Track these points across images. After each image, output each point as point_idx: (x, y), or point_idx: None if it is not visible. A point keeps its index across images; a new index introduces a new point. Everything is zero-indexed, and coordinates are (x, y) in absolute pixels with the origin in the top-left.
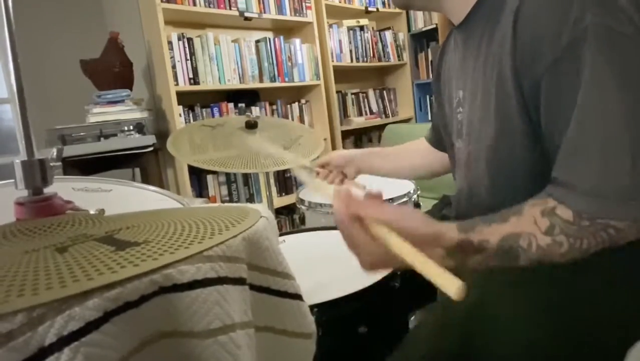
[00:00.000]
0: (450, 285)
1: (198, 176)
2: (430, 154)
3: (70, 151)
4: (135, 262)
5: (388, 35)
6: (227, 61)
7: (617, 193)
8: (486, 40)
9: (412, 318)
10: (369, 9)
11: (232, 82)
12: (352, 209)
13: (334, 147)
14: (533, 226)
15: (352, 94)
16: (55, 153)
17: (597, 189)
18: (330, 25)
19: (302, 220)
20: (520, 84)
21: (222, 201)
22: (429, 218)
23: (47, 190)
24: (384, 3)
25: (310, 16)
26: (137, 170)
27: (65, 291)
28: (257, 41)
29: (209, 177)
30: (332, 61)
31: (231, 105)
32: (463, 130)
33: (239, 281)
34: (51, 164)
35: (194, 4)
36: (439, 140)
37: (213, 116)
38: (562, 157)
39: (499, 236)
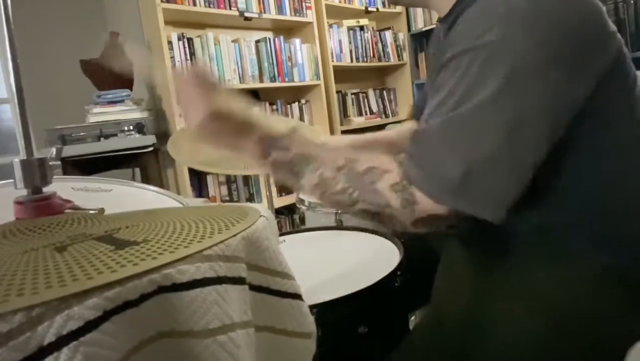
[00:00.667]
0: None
1: (198, 176)
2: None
3: (70, 151)
4: (135, 261)
5: (388, 35)
6: (227, 61)
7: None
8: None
9: (412, 318)
10: (369, 9)
11: (232, 82)
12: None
13: None
14: (332, 160)
15: (352, 94)
16: (54, 152)
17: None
18: (330, 25)
19: (302, 220)
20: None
21: (222, 201)
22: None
23: (47, 190)
24: (384, 3)
25: (310, 16)
26: (137, 170)
27: (64, 290)
28: (257, 41)
29: (209, 178)
30: (332, 61)
31: None
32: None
33: (238, 280)
34: (50, 163)
35: (194, 4)
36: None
37: None
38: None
39: (302, 151)
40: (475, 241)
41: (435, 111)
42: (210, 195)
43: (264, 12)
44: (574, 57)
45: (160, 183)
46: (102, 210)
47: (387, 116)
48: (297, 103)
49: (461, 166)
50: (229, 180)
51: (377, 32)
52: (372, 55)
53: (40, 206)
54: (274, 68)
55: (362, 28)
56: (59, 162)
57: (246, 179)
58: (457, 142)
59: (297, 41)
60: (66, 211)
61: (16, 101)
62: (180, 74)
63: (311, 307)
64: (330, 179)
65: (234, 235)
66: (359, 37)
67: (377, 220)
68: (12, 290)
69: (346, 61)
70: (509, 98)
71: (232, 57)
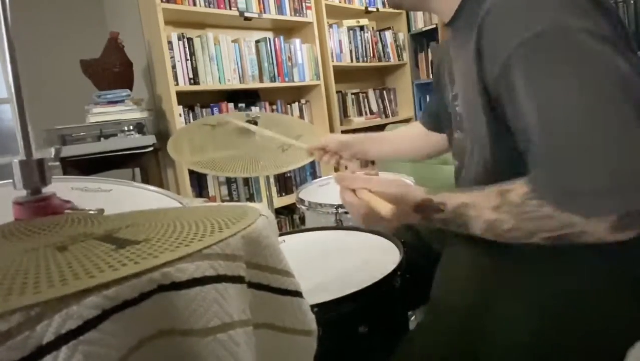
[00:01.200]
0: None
1: (198, 176)
2: (423, 138)
3: (70, 151)
4: (136, 260)
5: (388, 35)
6: (227, 61)
7: (566, 187)
8: (464, 41)
9: (412, 318)
10: (369, 9)
11: (232, 82)
12: (345, 183)
13: None
14: (485, 201)
15: (352, 94)
16: (53, 153)
17: (554, 181)
18: (330, 25)
19: (302, 220)
20: (484, 86)
21: (222, 201)
22: (406, 184)
23: (47, 190)
24: (384, 3)
25: (310, 16)
26: (137, 170)
27: (66, 289)
28: (257, 41)
29: (209, 177)
30: (332, 61)
31: (231, 105)
32: (461, 123)
33: (237, 279)
34: (50, 163)
35: (194, 4)
36: (436, 123)
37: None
38: (534, 157)
39: (456, 202)
40: (479, 242)
41: (541, 130)
42: (210, 195)
43: (264, 12)
44: (615, 32)
45: (160, 183)
46: (101, 210)
47: (387, 116)
48: (297, 103)
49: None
50: (229, 180)
51: (377, 32)
52: (372, 55)
53: (39, 207)
54: (274, 68)
55: (362, 28)
56: (57, 163)
57: (246, 179)
58: (592, 143)
59: (297, 41)
60: (66, 211)
61: (15, 101)
62: (344, 178)
63: (311, 307)
64: (495, 221)
65: (234, 234)
66: (359, 37)
67: (566, 241)
68: (14, 289)
69: (346, 61)
70: (593, 80)
71: (232, 57)
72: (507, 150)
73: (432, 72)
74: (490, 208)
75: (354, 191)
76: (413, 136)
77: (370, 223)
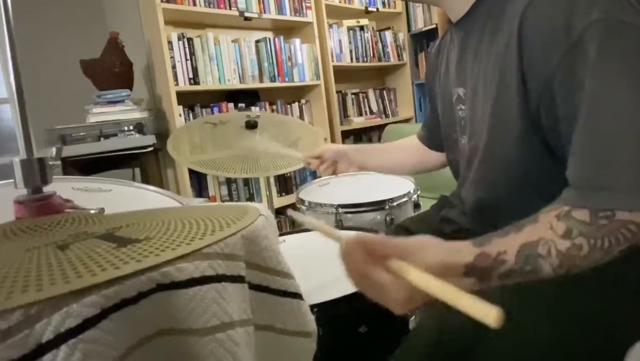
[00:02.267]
0: (486, 314)
1: (198, 176)
2: (421, 151)
3: (70, 151)
4: (138, 258)
5: (388, 35)
6: (227, 61)
7: (633, 184)
8: (487, 39)
9: (412, 318)
10: (369, 9)
11: (232, 82)
12: (363, 254)
13: None
14: (550, 232)
15: (352, 94)
16: (54, 152)
17: (614, 184)
18: (330, 25)
19: None
20: (525, 87)
21: (222, 201)
22: (440, 240)
23: (47, 189)
24: (384, 3)
25: (310, 16)
26: (137, 170)
27: (69, 286)
28: (257, 41)
29: (209, 177)
30: (332, 61)
31: (231, 105)
32: (466, 127)
33: (237, 279)
34: (50, 163)
35: (194, 4)
36: (432, 139)
37: None
38: (575, 157)
39: (517, 246)
40: None
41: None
42: (210, 195)
43: (264, 12)
44: None
45: (160, 183)
46: (102, 210)
47: (387, 116)
48: (297, 103)
49: None
50: (229, 180)
51: (377, 32)
52: (372, 55)
53: (40, 206)
54: (274, 68)
55: (362, 28)
56: (59, 162)
57: (246, 179)
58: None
59: (297, 41)
60: (66, 210)
61: (16, 101)
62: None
63: (311, 307)
64: (569, 250)
65: (233, 233)
66: (359, 37)
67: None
68: (16, 287)
69: (346, 61)
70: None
71: (232, 57)
72: (534, 149)
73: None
74: (559, 237)
75: (375, 262)
76: (412, 148)
77: (413, 309)
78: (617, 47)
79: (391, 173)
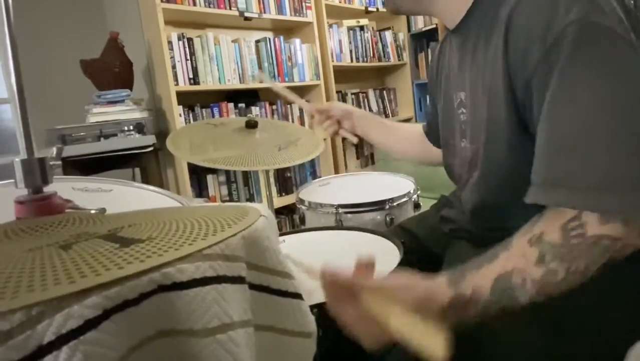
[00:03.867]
0: (433, 348)
1: (198, 176)
2: (424, 142)
3: (70, 151)
4: (141, 258)
5: (388, 35)
6: (227, 60)
7: (598, 184)
8: (482, 44)
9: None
10: (369, 9)
11: (232, 82)
12: (340, 288)
13: (334, 148)
14: (522, 260)
15: (352, 94)
16: (55, 152)
17: (577, 182)
18: (330, 25)
19: (302, 220)
20: (512, 87)
21: (222, 201)
22: (414, 281)
23: (47, 189)
24: (384, 3)
25: (310, 16)
26: (137, 170)
27: (74, 286)
28: (257, 41)
29: (209, 177)
30: (332, 61)
31: (231, 105)
32: (467, 130)
33: (238, 280)
34: (51, 163)
35: (194, 4)
36: (434, 137)
37: (213, 116)
38: (536, 158)
39: (490, 280)
40: (482, 245)
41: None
42: (210, 195)
43: (264, 12)
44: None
45: (160, 183)
46: (103, 210)
47: (387, 116)
48: None
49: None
50: (229, 180)
51: (377, 32)
52: (372, 55)
53: (41, 206)
54: (274, 68)
55: (362, 28)
56: (59, 162)
57: (246, 179)
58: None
59: (297, 41)
60: (67, 210)
61: (17, 100)
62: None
63: (311, 307)
64: (544, 276)
65: (234, 234)
66: (359, 37)
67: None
68: (21, 287)
69: (346, 61)
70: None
71: (232, 57)
72: (525, 151)
73: (427, 74)
74: (533, 265)
75: (353, 296)
76: (417, 136)
77: (382, 344)
78: (587, 50)
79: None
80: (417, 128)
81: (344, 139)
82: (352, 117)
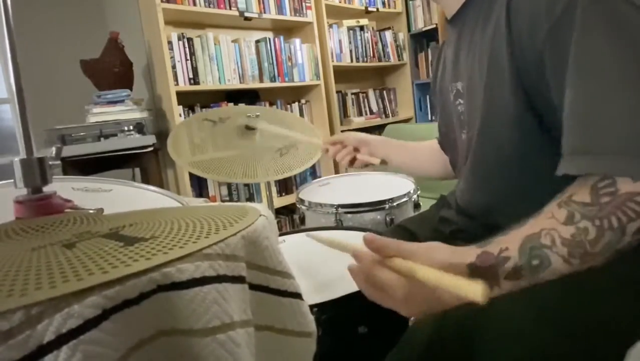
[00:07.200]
0: (472, 291)
1: (198, 176)
2: (442, 156)
3: (70, 151)
4: (147, 256)
5: (388, 35)
6: (227, 60)
7: (631, 150)
8: (479, 31)
9: (412, 317)
10: (369, 9)
11: (232, 82)
12: (372, 254)
13: None
14: (551, 220)
15: (352, 94)
16: (54, 151)
17: (610, 148)
18: (330, 25)
19: (302, 220)
20: (516, 66)
21: (222, 201)
22: (446, 245)
23: (47, 189)
24: (384, 3)
25: (310, 16)
26: (137, 170)
27: (82, 283)
28: (257, 41)
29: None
30: (332, 61)
31: (231, 105)
32: (465, 120)
33: (238, 279)
34: (50, 162)
35: (194, 4)
36: (445, 143)
37: None
38: (566, 125)
39: (519, 240)
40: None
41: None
42: (210, 195)
43: (264, 12)
44: None
45: (160, 183)
46: (100, 210)
47: (387, 116)
48: (297, 103)
49: None
50: None
51: (377, 32)
52: (372, 55)
53: (40, 206)
54: (274, 68)
55: (362, 28)
56: (58, 162)
57: None
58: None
59: (297, 41)
60: (66, 210)
61: (16, 100)
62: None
63: (311, 307)
64: (575, 235)
65: (235, 233)
66: (359, 37)
67: None
68: (29, 285)
69: (346, 61)
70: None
71: (232, 57)
72: (528, 130)
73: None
74: (561, 224)
75: (382, 263)
76: (433, 149)
77: (416, 310)
78: (600, 13)
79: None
80: (435, 142)
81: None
82: (370, 144)
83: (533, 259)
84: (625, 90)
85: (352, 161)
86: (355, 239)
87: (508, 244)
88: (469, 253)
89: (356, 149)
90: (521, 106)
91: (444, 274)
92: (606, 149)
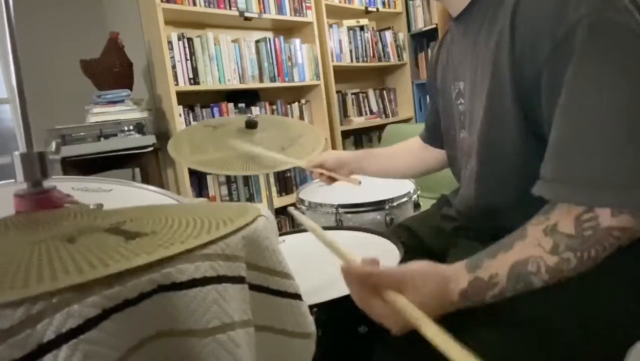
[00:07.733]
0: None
1: (198, 176)
2: (423, 152)
3: (70, 151)
4: (148, 251)
5: (388, 35)
6: (227, 61)
7: (612, 182)
8: (485, 33)
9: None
10: (369, 9)
11: (232, 82)
12: (360, 286)
13: (334, 148)
14: (538, 249)
15: (352, 94)
16: (54, 146)
17: (592, 180)
18: (330, 25)
19: None
20: (518, 77)
21: (222, 201)
22: (434, 267)
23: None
24: (384, 3)
25: (310, 16)
26: (137, 170)
27: (83, 277)
28: (257, 41)
29: (209, 177)
30: (332, 61)
31: (231, 105)
32: (466, 121)
33: (238, 280)
34: (50, 157)
35: (194, 4)
36: (433, 137)
37: (213, 116)
38: (549, 153)
39: (507, 267)
40: (483, 241)
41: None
42: (210, 195)
43: (264, 12)
44: None
45: (160, 183)
46: (100, 205)
47: (387, 116)
48: (297, 103)
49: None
50: (229, 180)
51: (377, 32)
52: (372, 55)
53: (40, 200)
54: (274, 68)
55: (362, 28)
56: (58, 157)
57: (246, 179)
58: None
59: (297, 41)
60: (66, 205)
61: (17, 101)
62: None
63: (311, 307)
64: (558, 264)
65: (235, 233)
66: (359, 37)
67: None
68: (31, 277)
69: (346, 61)
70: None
71: (232, 57)
72: (528, 140)
73: (427, 73)
74: (547, 253)
75: (375, 290)
76: (411, 151)
77: (408, 330)
78: (599, 46)
79: (393, 177)
80: (412, 143)
81: (343, 138)
82: (347, 164)
83: (519, 284)
84: (615, 124)
85: (332, 181)
86: (355, 239)
87: (498, 269)
88: (459, 279)
89: (335, 171)
90: (522, 115)
91: (436, 331)
92: (590, 181)
